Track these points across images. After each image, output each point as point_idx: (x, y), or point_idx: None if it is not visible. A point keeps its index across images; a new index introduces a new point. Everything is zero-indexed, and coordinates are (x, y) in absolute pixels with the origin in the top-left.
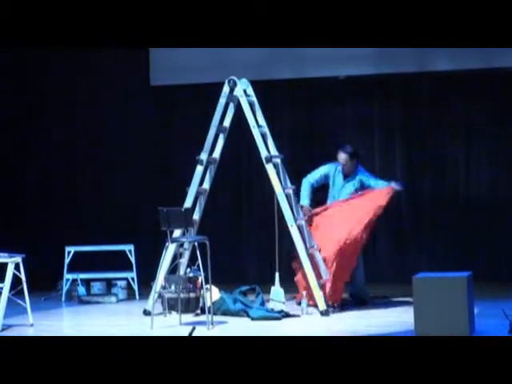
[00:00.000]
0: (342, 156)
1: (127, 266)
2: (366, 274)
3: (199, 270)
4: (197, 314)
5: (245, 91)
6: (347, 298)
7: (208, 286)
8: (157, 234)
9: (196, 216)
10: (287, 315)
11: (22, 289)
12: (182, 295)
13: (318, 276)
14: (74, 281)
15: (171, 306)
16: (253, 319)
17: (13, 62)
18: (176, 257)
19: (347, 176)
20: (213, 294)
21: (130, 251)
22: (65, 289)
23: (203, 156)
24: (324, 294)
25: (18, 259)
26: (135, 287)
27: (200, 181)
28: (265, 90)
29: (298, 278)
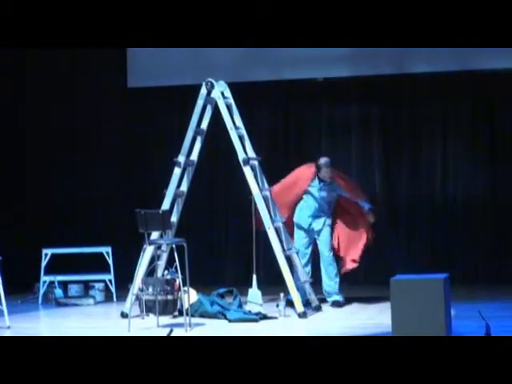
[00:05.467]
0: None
1: (105, 268)
2: (340, 276)
3: (177, 272)
4: (174, 316)
5: (222, 93)
6: (324, 299)
7: (186, 288)
8: (134, 236)
9: (174, 218)
10: (265, 317)
11: None
12: (159, 297)
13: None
14: (51, 283)
15: (149, 308)
16: (230, 321)
17: None
18: (154, 259)
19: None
20: (190, 296)
21: (107, 253)
22: (42, 291)
23: (181, 158)
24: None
25: None
26: (113, 289)
27: (178, 183)
28: (242, 92)
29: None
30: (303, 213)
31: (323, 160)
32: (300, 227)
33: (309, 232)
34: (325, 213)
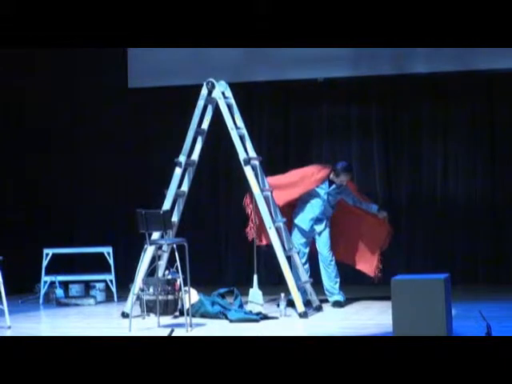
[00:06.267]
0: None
1: (106, 269)
2: (341, 276)
3: (178, 272)
4: (175, 316)
5: (223, 93)
6: (325, 299)
7: (186, 288)
8: (135, 236)
9: (174, 218)
10: (265, 317)
11: (0, 291)
12: (160, 297)
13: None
14: (52, 283)
15: (149, 308)
16: (231, 321)
17: None
18: (154, 259)
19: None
20: (191, 296)
21: (108, 253)
22: (43, 291)
23: (182, 158)
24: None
25: None
26: (113, 289)
27: (178, 183)
28: (243, 92)
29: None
30: (306, 215)
31: (343, 164)
32: (300, 228)
33: (309, 233)
34: (327, 216)
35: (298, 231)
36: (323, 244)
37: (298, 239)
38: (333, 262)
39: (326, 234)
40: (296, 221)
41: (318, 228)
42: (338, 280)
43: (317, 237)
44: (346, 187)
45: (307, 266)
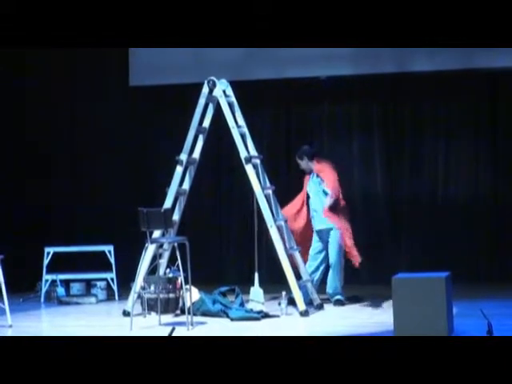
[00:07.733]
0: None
1: (107, 267)
2: (345, 275)
3: (179, 270)
4: (176, 315)
5: (224, 92)
6: (326, 297)
7: (187, 286)
8: (136, 234)
9: (176, 217)
10: (266, 315)
11: (1, 290)
12: (161, 296)
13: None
14: (53, 282)
15: (150, 306)
16: (232, 320)
17: None
18: (155, 257)
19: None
20: (192, 294)
21: (109, 252)
22: (44, 290)
23: (183, 157)
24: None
25: None
26: (115, 288)
27: (180, 181)
28: (244, 91)
29: None
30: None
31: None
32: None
33: (319, 236)
34: (318, 207)
35: (313, 234)
36: (331, 246)
37: (313, 243)
38: (340, 267)
39: (334, 236)
40: None
41: (317, 225)
42: (342, 283)
43: (328, 239)
44: (316, 176)
45: (317, 275)
